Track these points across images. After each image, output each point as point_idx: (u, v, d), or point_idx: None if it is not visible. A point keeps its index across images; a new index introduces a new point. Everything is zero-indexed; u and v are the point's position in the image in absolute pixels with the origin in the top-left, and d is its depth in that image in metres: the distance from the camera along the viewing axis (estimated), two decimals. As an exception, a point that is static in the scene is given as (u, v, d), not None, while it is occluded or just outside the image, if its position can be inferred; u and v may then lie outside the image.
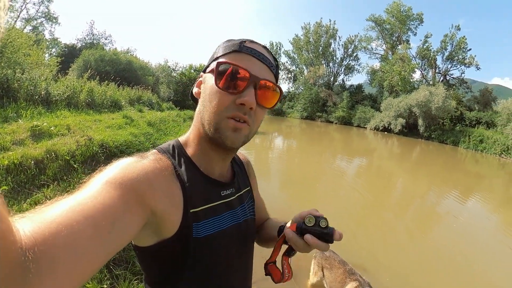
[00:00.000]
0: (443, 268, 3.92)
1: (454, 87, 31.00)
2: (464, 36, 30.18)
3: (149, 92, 13.75)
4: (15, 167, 3.17)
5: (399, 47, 33.86)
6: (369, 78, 37.95)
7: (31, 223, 0.36)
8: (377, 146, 19.08)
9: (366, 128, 29.73)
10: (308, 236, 0.60)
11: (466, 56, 30.57)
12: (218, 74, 0.60)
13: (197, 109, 0.68)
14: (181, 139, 0.72)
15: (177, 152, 0.67)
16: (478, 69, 31.02)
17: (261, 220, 0.95)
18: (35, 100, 5.48)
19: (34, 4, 24.55)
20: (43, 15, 24.79)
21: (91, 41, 25.49)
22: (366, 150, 16.34)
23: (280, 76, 0.68)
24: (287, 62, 45.86)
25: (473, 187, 9.91)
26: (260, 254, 0.89)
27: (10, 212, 0.31)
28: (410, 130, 26.32)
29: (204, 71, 0.67)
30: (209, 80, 0.64)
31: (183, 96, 19.17)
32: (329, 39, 40.19)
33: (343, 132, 24.95)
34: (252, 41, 0.65)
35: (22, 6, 22.83)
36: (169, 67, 20.54)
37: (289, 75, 45.88)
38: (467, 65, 30.82)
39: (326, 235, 0.60)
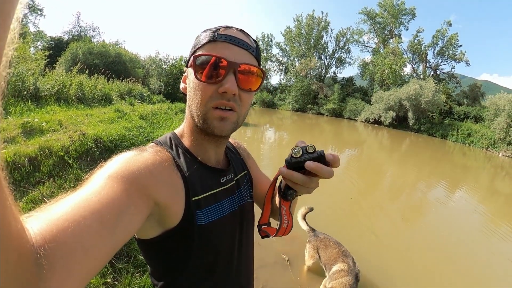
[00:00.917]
0: (431, 255, 4.08)
1: (444, 81, 31.53)
2: (456, 33, 30.65)
3: (139, 85, 13.52)
4: (8, 165, 3.11)
5: (391, 41, 34.09)
6: (360, 71, 38.16)
7: (38, 221, 0.37)
8: (368, 138, 19.36)
9: (356, 120, 30.08)
10: (310, 163, 0.54)
11: (457, 52, 31.07)
12: (196, 67, 0.61)
13: (186, 103, 0.69)
14: (177, 131, 0.74)
15: (174, 143, 0.69)
16: (468, 65, 31.59)
17: None
18: (24, 95, 5.32)
19: (17, -5, 23.63)
20: (27, 7, 23.87)
21: (78, 33, 24.68)
22: (357, 142, 16.58)
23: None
24: (278, 54, 45.72)
25: (460, 178, 10.22)
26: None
27: (21, 213, 0.32)
28: (400, 122, 26.77)
29: (187, 66, 0.67)
30: (190, 74, 0.65)
31: (173, 88, 18.89)
32: (321, 31, 40.09)
33: (334, 124, 25.16)
34: (227, 27, 0.65)
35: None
36: (160, 59, 20.16)
37: (281, 67, 45.73)
38: (457, 60, 31.36)
39: (318, 158, 0.54)
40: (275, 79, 51.49)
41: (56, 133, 4.23)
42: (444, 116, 25.75)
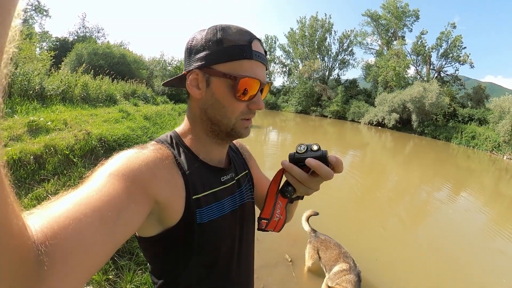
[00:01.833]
0: (434, 258, 4.04)
1: (448, 83, 31.30)
2: (460, 35, 30.36)
3: (143, 86, 13.61)
4: (14, 163, 3.16)
5: (395, 42, 33.95)
6: (364, 73, 38.04)
7: (39, 218, 0.37)
8: (371, 140, 19.22)
9: (360, 122, 29.91)
10: (311, 160, 0.56)
11: (461, 53, 30.82)
12: (238, 86, 0.62)
13: (196, 105, 0.69)
14: (178, 130, 0.74)
15: (175, 142, 0.70)
16: (472, 67, 31.27)
17: None
18: (29, 95, 5.40)
19: (24, -4, 23.89)
20: (33, 8, 24.14)
21: (83, 34, 24.93)
22: (360, 144, 16.46)
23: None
24: (282, 56, 45.66)
25: (464, 181, 10.13)
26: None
27: (22, 210, 0.32)
28: (403, 125, 26.61)
29: (205, 66, 0.63)
30: (218, 85, 0.64)
31: (177, 89, 18.98)
32: (325, 33, 40.03)
33: (337, 126, 25.05)
34: (256, 41, 0.65)
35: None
36: (164, 60, 20.27)
37: (284, 69, 45.72)
38: (462, 62, 31.07)
39: (320, 158, 0.56)
40: (278, 81, 51.38)
41: (61, 132, 4.29)
42: (448, 118, 25.55)
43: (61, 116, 4.95)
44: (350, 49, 40.32)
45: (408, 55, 32.99)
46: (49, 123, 4.32)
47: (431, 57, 32.55)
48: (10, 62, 0.23)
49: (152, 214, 0.57)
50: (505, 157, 18.08)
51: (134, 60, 16.67)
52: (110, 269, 2.48)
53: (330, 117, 32.95)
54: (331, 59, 41.24)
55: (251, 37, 0.65)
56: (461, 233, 5.28)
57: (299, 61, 43.34)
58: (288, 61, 45.49)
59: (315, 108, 35.46)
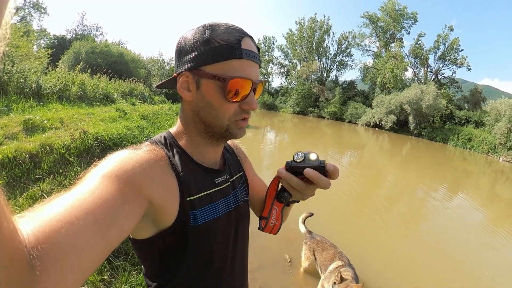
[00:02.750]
0: (433, 258, 4.08)
1: (445, 86, 31.49)
2: (458, 38, 30.58)
3: (141, 85, 13.56)
4: (9, 161, 3.13)
5: (392, 45, 34.14)
6: (362, 75, 38.16)
7: (31, 222, 0.36)
8: (368, 141, 19.32)
9: (357, 124, 30.05)
10: (309, 170, 0.56)
11: (458, 56, 31.05)
12: (229, 87, 0.60)
13: (188, 107, 0.68)
14: (172, 130, 0.73)
15: (169, 142, 0.69)
16: (469, 70, 31.53)
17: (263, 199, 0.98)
18: (26, 93, 5.36)
19: (22, -7, 23.64)
20: (31, 5, 23.94)
21: (82, 32, 24.81)
22: (358, 145, 16.54)
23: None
24: (280, 57, 45.74)
25: (461, 182, 10.21)
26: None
27: (13, 213, 0.31)
28: (400, 126, 26.73)
29: (191, 69, 0.63)
30: (208, 87, 0.62)
31: (174, 89, 18.91)
32: (323, 34, 40.13)
33: (334, 128, 25.14)
34: (247, 38, 0.63)
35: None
36: (163, 60, 20.21)
37: (282, 70, 45.78)
38: (459, 65, 31.32)
39: (319, 168, 0.56)
40: (276, 81, 51.63)
41: (57, 130, 4.25)
42: (445, 120, 25.73)
43: (57, 114, 4.92)
44: (348, 50, 40.48)
45: (406, 57, 33.17)
46: (45, 121, 4.29)
47: (428, 59, 32.75)
48: (1, 60, 0.23)
49: (146, 216, 0.56)
50: (501, 159, 18.25)
51: (132, 59, 16.58)
52: (105, 269, 2.46)
53: (328, 118, 33.05)
54: (329, 61, 41.36)
55: (241, 35, 0.62)
56: (456, 232, 5.34)
57: (297, 62, 43.42)
58: (286, 62, 45.59)
59: (313, 109, 35.54)
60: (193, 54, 0.62)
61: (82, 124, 4.87)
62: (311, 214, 3.47)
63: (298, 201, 0.70)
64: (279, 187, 0.68)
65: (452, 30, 31.22)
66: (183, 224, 0.62)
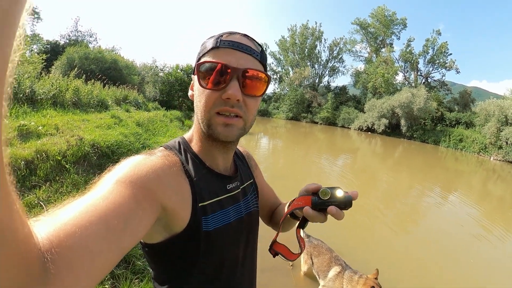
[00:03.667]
0: (429, 257, 4.13)
1: (435, 89, 32.29)
2: (446, 42, 31.53)
3: (135, 91, 13.47)
4: (4, 168, 3.04)
5: (383, 50, 34.89)
6: (353, 80, 38.79)
7: (46, 226, 0.37)
8: (361, 145, 19.54)
9: (350, 128, 30.44)
10: (333, 208, 0.59)
11: (447, 60, 31.96)
12: (200, 74, 0.61)
13: (194, 109, 0.70)
14: (186, 136, 0.74)
15: (183, 148, 0.69)
16: (458, 73, 32.45)
17: (273, 206, 0.98)
18: (20, 98, 5.25)
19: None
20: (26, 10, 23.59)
21: (75, 38, 24.60)
22: (351, 149, 16.74)
23: (270, 83, 0.68)
24: (273, 63, 46.17)
25: (454, 182, 10.39)
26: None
27: (28, 217, 0.32)
28: (393, 130, 27.15)
29: (193, 73, 0.67)
30: (196, 82, 0.65)
31: (169, 96, 18.90)
32: (315, 41, 40.79)
33: (327, 132, 25.39)
34: (230, 33, 0.65)
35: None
36: (156, 66, 20.17)
37: (275, 76, 46.15)
38: (448, 68, 32.23)
39: (346, 204, 0.60)
40: (269, 88, 51.23)
41: (52, 137, 4.16)
42: (436, 122, 26.23)
43: (52, 121, 4.82)
44: (339, 56, 41.23)
45: (396, 62, 33.92)
46: (40, 127, 4.20)
47: (418, 63, 33.56)
48: (14, 71, 0.23)
49: (158, 221, 0.56)
50: (491, 158, 18.72)
51: (126, 66, 16.49)
52: (106, 278, 2.39)
53: (321, 123, 33.38)
54: (321, 66, 41.99)
55: (227, 32, 0.64)
56: (451, 227, 5.46)
57: (289, 68, 43.90)
58: (279, 69, 46.04)
59: (306, 114, 35.88)
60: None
61: (77, 130, 4.78)
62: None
63: None
64: (301, 217, 0.70)
65: (440, 34, 32.15)
66: (195, 230, 0.62)
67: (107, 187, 0.48)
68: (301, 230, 0.71)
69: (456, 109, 29.09)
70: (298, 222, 0.73)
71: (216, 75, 0.60)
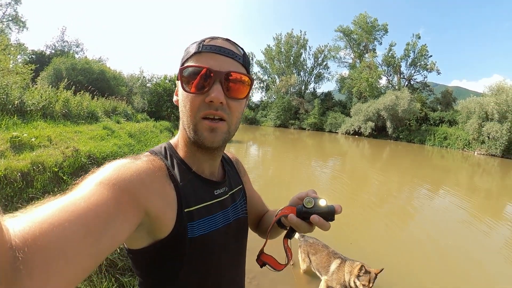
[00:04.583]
0: (423, 254, 4.19)
1: (418, 90, 33.41)
2: (425, 44, 32.87)
3: (124, 103, 13.28)
4: (0, 181, 2.94)
5: (366, 55, 35.95)
6: (339, 86, 39.65)
7: (21, 222, 0.35)
8: (349, 149, 19.79)
9: (337, 133, 30.95)
10: (315, 217, 0.60)
11: (428, 62, 33.23)
12: (183, 79, 0.62)
13: (180, 115, 0.70)
14: (172, 141, 0.73)
15: (169, 153, 0.69)
16: (439, 74, 33.76)
17: (260, 213, 0.97)
18: (8, 109, 5.09)
19: (1, 6, 22.66)
20: (11, 18, 23.03)
21: (61, 48, 24.08)
22: (339, 153, 16.94)
23: (253, 86, 0.69)
24: (259, 72, 46.66)
25: (441, 179, 10.65)
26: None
27: (1, 212, 0.30)
28: (379, 132, 27.77)
29: (177, 78, 0.67)
30: (180, 87, 0.65)
31: (157, 106, 18.71)
32: (300, 49, 41.60)
33: (315, 138, 25.61)
34: (212, 38, 0.65)
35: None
36: (144, 77, 19.96)
37: (262, 85, 46.57)
38: (429, 70, 33.48)
39: (328, 214, 0.61)
40: (256, 96, 52.13)
41: (47, 148, 4.06)
42: (420, 122, 27.04)
43: (44, 132, 4.70)
44: (324, 63, 42.19)
45: (380, 66, 34.96)
46: (33, 139, 4.08)
47: (400, 66, 34.75)
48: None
49: (141, 226, 0.54)
50: (475, 153, 19.53)
51: (114, 77, 16.21)
52: (113, 287, 2.34)
53: (308, 129, 33.78)
54: (306, 74, 42.76)
55: (209, 37, 0.66)
56: (441, 219, 5.70)
57: (276, 76, 44.43)
58: (266, 77, 46.57)
59: (293, 121, 36.29)
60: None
61: (71, 142, 4.68)
62: None
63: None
64: (288, 227, 0.72)
65: (419, 38, 33.47)
66: (180, 236, 0.60)
67: (89, 189, 0.46)
68: (288, 240, 0.72)
69: (439, 108, 30.12)
70: (285, 231, 0.74)
71: (199, 79, 0.60)
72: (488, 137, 18.98)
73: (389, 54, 34.29)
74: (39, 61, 18.81)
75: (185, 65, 0.63)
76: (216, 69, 0.61)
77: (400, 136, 25.94)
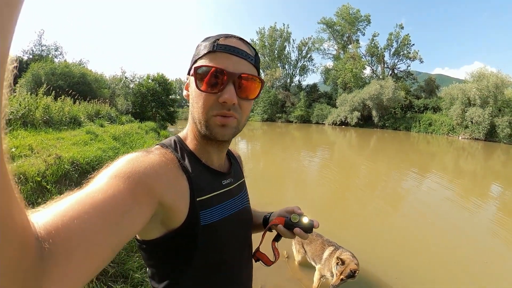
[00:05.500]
0: (414, 238, 4.32)
1: (402, 79, 34.06)
2: (408, 34, 33.45)
3: (107, 105, 12.99)
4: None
5: (350, 46, 36.24)
6: (324, 77, 39.91)
7: (44, 216, 0.37)
8: (337, 139, 20.04)
9: (324, 124, 31.26)
10: (297, 230, 0.76)
11: (410, 51, 33.88)
12: (198, 77, 0.64)
13: (189, 109, 0.72)
14: (181, 134, 0.76)
15: (179, 146, 0.71)
16: (421, 62, 34.57)
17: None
18: (-15, 122, 4.92)
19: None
20: None
21: (39, 52, 23.16)
22: (327, 143, 17.17)
23: (263, 86, 0.74)
24: (244, 67, 46.30)
25: (428, 164, 10.98)
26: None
27: (27, 207, 0.32)
28: (365, 121, 28.23)
29: (189, 73, 0.70)
30: (192, 83, 0.67)
31: (142, 107, 18.37)
32: (284, 42, 41.52)
33: (303, 130, 25.81)
34: (226, 37, 0.67)
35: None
36: (126, 78, 19.49)
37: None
38: (412, 59, 34.18)
39: (308, 229, 0.78)
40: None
41: (28, 158, 3.96)
42: (405, 110, 27.65)
43: (25, 141, 4.58)
44: (309, 55, 42.24)
45: (363, 56, 35.38)
46: (13, 149, 3.98)
47: (384, 56, 35.27)
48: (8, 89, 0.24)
49: (155, 216, 0.56)
50: (460, 137, 20.25)
51: (95, 79, 15.76)
52: (105, 294, 2.33)
53: (296, 122, 33.98)
54: (291, 67, 42.78)
55: (224, 34, 0.67)
56: (430, 200, 5.84)
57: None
58: (250, 71, 46.18)
59: (280, 115, 36.42)
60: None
61: (54, 149, 4.57)
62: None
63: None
64: (276, 233, 0.86)
65: (402, 28, 34.02)
66: (193, 224, 0.63)
67: (105, 182, 0.49)
68: (276, 242, 0.88)
69: (423, 96, 30.87)
70: (274, 236, 0.87)
71: (213, 79, 0.62)
72: (471, 121, 19.67)
73: (372, 44, 34.72)
74: (16, 67, 18.07)
75: (199, 63, 0.65)
76: (230, 70, 0.63)
77: (386, 124, 26.46)
